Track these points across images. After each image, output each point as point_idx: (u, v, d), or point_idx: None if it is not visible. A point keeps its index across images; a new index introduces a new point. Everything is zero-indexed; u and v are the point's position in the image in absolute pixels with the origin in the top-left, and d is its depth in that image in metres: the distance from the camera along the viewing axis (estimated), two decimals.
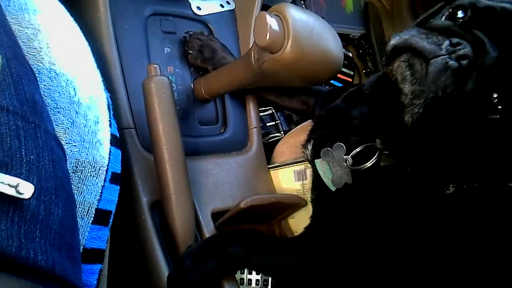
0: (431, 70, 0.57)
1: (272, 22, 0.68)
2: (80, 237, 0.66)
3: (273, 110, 1.17)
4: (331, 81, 1.41)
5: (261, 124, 1.12)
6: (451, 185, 0.65)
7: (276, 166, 0.97)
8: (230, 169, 0.90)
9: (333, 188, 0.74)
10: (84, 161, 0.66)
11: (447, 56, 0.57)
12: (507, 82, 0.56)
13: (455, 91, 0.56)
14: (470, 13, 0.61)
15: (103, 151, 0.68)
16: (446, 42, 0.58)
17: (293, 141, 1.01)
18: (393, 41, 0.61)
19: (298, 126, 1.08)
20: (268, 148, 1.07)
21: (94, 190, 0.67)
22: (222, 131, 0.94)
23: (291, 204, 0.89)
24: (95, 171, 0.67)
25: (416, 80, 0.58)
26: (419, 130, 0.60)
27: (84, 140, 0.66)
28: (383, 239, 0.71)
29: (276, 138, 1.14)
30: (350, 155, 0.72)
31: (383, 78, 0.65)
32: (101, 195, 0.68)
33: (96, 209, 0.67)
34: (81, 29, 0.73)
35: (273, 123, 1.17)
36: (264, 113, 1.16)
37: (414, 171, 0.68)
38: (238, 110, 0.97)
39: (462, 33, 0.59)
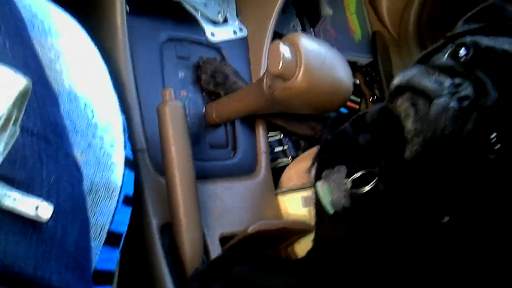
0: (433, 109, 0.58)
1: (285, 50, 0.70)
2: (92, 258, 0.67)
3: (281, 136, 1.18)
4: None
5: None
6: (446, 216, 0.67)
7: (283, 192, 0.98)
8: (239, 193, 0.91)
9: (331, 211, 0.75)
10: (99, 183, 0.67)
11: (449, 96, 0.58)
12: (506, 122, 0.58)
13: (454, 131, 0.58)
14: (472, 52, 0.62)
15: (117, 173, 0.69)
16: (448, 82, 0.59)
17: (300, 166, 1.02)
18: (397, 79, 0.63)
19: (306, 152, 1.09)
20: (275, 174, 1.07)
21: (107, 212, 0.68)
22: (232, 155, 0.95)
23: (298, 230, 0.89)
24: (108, 193, 0.68)
25: (418, 118, 0.59)
26: (417, 166, 0.62)
27: (99, 162, 0.67)
28: (382, 264, 0.72)
29: (283, 164, 1.15)
30: (350, 179, 0.74)
31: (387, 110, 0.66)
32: (113, 217, 0.68)
33: (108, 231, 0.68)
34: (100, 53, 0.75)
35: (281, 148, 1.18)
36: (272, 138, 1.17)
37: (410, 200, 0.69)
38: (247, 135, 0.98)
39: (464, 73, 0.60)
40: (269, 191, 0.97)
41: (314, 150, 1.02)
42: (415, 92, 0.60)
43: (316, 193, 0.81)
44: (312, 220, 0.92)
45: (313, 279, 0.79)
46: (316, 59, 0.73)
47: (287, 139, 1.20)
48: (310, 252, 0.84)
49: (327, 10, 1.46)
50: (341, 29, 1.49)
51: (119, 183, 0.69)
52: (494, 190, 0.63)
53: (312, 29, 1.40)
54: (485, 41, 0.63)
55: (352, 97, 1.49)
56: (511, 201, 0.63)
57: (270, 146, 1.17)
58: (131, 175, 0.72)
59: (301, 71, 0.71)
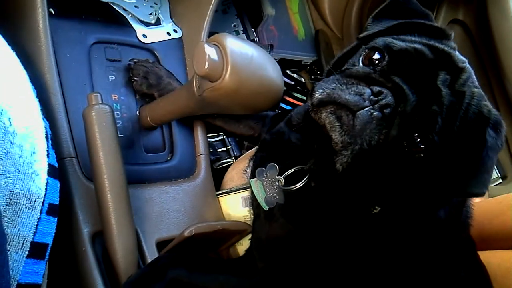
0: (358, 122, 0.59)
1: (210, 51, 0.69)
2: (14, 271, 0.64)
3: (224, 136, 1.18)
4: (283, 106, 1.44)
5: (211, 150, 1.13)
6: (377, 207, 0.68)
7: (224, 193, 0.97)
8: (177, 196, 0.90)
9: (266, 208, 0.76)
10: (19, 193, 0.64)
11: (370, 107, 0.59)
12: (426, 123, 0.59)
13: (380, 139, 0.60)
14: (387, 57, 0.63)
15: (39, 182, 0.67)
16: (368, 92, 0.60)
17: (242, 166, 1.02)
18: (318, 94, 0.62)
19: (248, 152, 1.09)
20: (220, 174, 1.07)
21: (29, 223, 0.65)
22: (169, 158, 0.94)
23: (237, 231, 0.89)
24: (30, 203, 0.65)
25: (344, 131, 0.60)
26: (349, 174, 0.63)
27: (19, 171, 0.64)
28: (319, 256, 0.73)
29: (227, 164, 1.14)
30: (283, 176, 0.74)
31: (311, 117, 0.66)
32: (37, 228, 0.66)
33: (32, 242, 0.65)
34: (21, 57, 0.72)
35: (224, 148, 1.18)
36: (215, 139, 1.17)
37: (341, 195, 0.70)
38: (185, 137, 0.97)
39: (382, 81, 0.61)
40: (209, 193, 0.96)
41: (255, 150, 1.03)
42: (338, 106, 0.61)
43: (251, 191, 0.81)
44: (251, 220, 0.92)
45: (251, 277, 0.79)
46: (243, 59, 0.73)
47: (230, 139, 1.20)
48: (247, 250, 0.85)
49: (269, 10, 1.47)
50: (284, 29, 1.50)
51: (42, 193, 0.67)
52: (423, 181, 0.65)
53: (254, 30, 1.40)
54: (397, 44, 0.64)
55: (298, 95, 1.51)
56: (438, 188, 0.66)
57: (214, 146, 1.16)
58: (56, 184, 0.70)
59: (228, 72, 0.71)
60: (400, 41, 0.65)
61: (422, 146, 0.60)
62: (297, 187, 0.73)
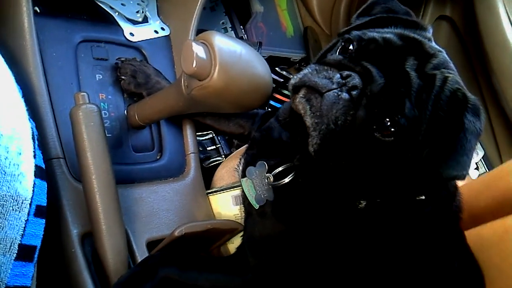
0: (324, 103, 0.61)
1: (198, 49, 0.69)
2: (2, 275, 0.63)
3: (214, 134, 1.18)
4: (273, 104, 1.44)
5: (201, 149, 1.12)
6: (362, 200, 0.69)
7: (214, 191, 0.97)
8: (167, 196, 0.89)
9: (256, 206, 0.76)
10: (6, 195, 0.63)
11: (338, 89, 0.61)
12: (394, 105, 0.60)
13: (347, 120, 0.61)
14: (356, 45, 0.66)
15: (26, 183, 0.66)
16: (337, 76, 0.63)
17: (232, 165, 1.01)
18: (292, 80, 0.66)
19: (237, 150, 1.08)
20: (210, 173, 1.07)
21: (17, 225, 0.64)
22: (158, 157, 0.93)
23: (228, 230, 0.88)
24: (17, 205, 0.64)
25: (313, 113, 0.62)
26: (322, 157, 0.64)
27: (5, 173, 0.63)
28: (308, 254, 0.74)
29: (217, 162, 1.14)
30: (272, 173, 0.75)
31: (293, 110, 0.68)
32: (24, 230, 0.65)
33: (20, 245, 0.65)
34: (5, 57, 0.71)
35: (214, 147, 1.18)
36: (205, 138, 1.16)
37: (326, 188, 0.71)
38: (174, 136, 0.96)
39: (352, 66, 0.64)
40: (199, 192, 0.96)
41: (244, 148, 1.03)
42: (309, 89, 0.63)
43: (243, 190, 0.81)
44: (243, 218, 0.92)
45: (242, 275, 0.79)
46: (231, 57, 0.72)
47: (219, 137, 1.20)
48: (239, 248, 0.85)
49: (257, 7, 1.46)
50: (273, 26, 1.50)
51: (29, 194, 0.66)
52: (400, 166, 0.65)
53: (242, 27, 1.40)
54: (368, 34, 0.66)
55: (287, 92, 1.51)
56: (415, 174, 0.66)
57: (203, 145, 1.16)
58: (43, 185, 0.69)
59: (216, 70, 0.70)
60: (373, 32, 0.67)
61: (392, 129, 0.62)
62: (284, 182, 0.74)
